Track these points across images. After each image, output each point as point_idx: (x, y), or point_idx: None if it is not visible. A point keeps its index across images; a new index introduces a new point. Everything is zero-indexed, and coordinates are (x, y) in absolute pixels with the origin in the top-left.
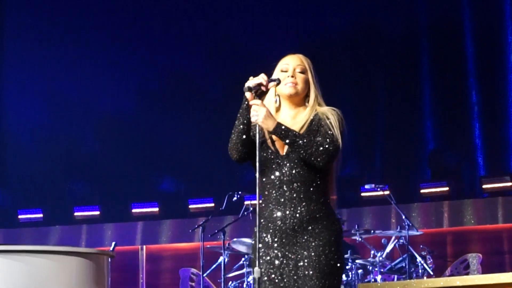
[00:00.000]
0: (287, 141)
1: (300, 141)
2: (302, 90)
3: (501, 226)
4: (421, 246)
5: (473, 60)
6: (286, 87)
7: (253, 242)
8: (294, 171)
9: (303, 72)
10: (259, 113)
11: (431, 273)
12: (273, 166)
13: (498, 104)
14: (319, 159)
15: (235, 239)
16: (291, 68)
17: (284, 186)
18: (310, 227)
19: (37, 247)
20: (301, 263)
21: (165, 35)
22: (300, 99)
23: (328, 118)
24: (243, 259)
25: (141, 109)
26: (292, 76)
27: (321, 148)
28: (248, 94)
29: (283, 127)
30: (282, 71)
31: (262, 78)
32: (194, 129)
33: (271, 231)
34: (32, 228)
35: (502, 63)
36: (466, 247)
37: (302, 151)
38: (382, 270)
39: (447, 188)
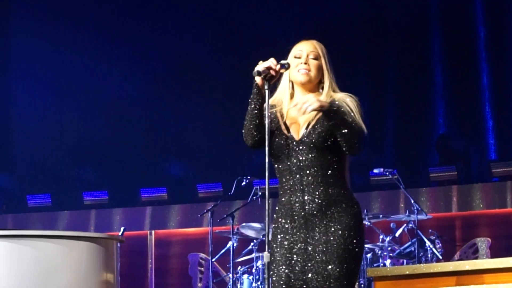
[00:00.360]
0: (338, 120)
1: (351, 122)
2: (315, 77)
3: (510, 210)
4: (430, 230)
5: (484, 44)
6: (299, 74)
7: (272, 228)
8: (310, 156)
9: (317, 58)
10: (310, 102)
11: (440, 257)
12: (289, 152)
13: (509, 87)
14: (357, 146)
15: (244, 224)
16: (304, 54)
17: (302, 171)
18: (329, 212)
19: (46, 232)
20: (320, 248)
21: (172, 19)
22: (313, 85)
23: (348, 105)
24: (252, 244)
25: (148, 94)
26: (305, 63)
27: (354, 141)
28: (258, 79)
29: (335, 104)
30: (295, 57)
31: (271, 62)
32: (202, 113)
33: (289, 217)
34: (41, 213)
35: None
36: (475, 232)
37: (347, 134)
38: (391, 254)
39: (455, 172)
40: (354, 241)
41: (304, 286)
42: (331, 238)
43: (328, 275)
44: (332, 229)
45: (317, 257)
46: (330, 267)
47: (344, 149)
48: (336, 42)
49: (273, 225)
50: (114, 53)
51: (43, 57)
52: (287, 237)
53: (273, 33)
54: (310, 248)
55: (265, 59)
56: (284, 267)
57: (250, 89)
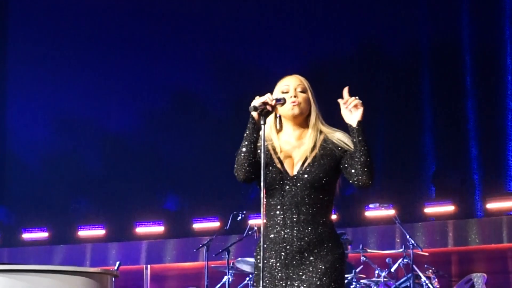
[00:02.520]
0: (365, 143)
1: (370, 150)
2: (305, 109)
3: (506, 245)
4: (425, 265)
5: (472, 80)
6: (290, 108)
7: (256, 261)
8: (302, 193)
9: (304, 91)
10: (357, 101)
11: None
12: (280, 187)
13: (498, 124)
14: (371, 176)
15: (239, 259)
16: (292, 88)
17: (292, 208)
18: (316, 250)
19: (41, 266)
20: (306, 284)
21: (169, 54)
22: (303, 119)
23: (341, 140)
24: (247, 278)
25: (145, 128)
26: (295, 96)
27: (373, 165)
28: (254, 114)
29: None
30: (282, 92)
31: (267, 97)
32: (198, 148)
33: (276, 252)
34: (37, 247)
35: (501, 84)
36: (471, 267)
37: (367, 160)
38: None
39: (452, 207)
40: (338, 281)
41: None
42: (314, 276)
43: None
44: (317, 267)
45: None
46: None
47: (358, 176)
48: (327, 78)
49: (258, 260)
50: (112, 87)
51: (41, 90)
52: (272, 272)
53: (269, 68)
54: (294, 286)
55: (261, 94)
56: None
57: (246, 123)
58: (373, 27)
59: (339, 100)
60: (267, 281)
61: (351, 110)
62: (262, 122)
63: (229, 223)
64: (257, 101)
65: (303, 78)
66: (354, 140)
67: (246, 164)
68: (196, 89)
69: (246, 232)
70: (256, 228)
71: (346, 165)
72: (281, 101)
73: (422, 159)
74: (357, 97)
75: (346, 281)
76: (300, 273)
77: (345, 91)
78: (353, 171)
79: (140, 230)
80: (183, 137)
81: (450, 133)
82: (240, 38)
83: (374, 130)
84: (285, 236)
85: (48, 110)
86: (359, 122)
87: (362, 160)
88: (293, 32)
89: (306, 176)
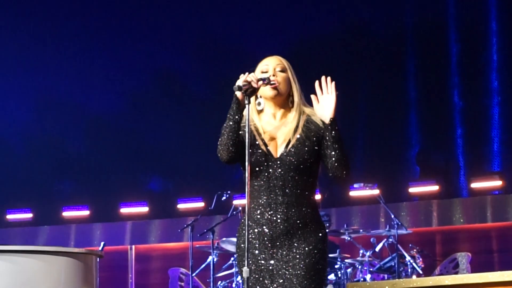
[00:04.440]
0: (338, 139)
1: (344, 145)
2: (284, 89)
3: (490, 225)
4: (410, 245)
5: (457, 60)
6: (269, 88)
7: (238, 242)
8: (286, 175)
9: (283, 71)
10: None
11: (420, 272)
12: (265, 169)
13: (483, 103)
14: (348, 169)
15: (224, 239)
16: (271, 68)
17: (276, 189)
18: (299, 231)
19: (25, 247)
20: (287, 266)
21: (152, 35)
22: (283, 99)
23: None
24: (232, 258)
25: (129, 109)
26: (273, 75)
27: (347, 159)
28: (238, 93)
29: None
30: (262, 72)
31: (252, 76)
32: (182, 128)
33: (259, 234)
34: (21, 228)
35: (486, 64)
36: (455, 246)
37: (339, 156)
38: (371, 269)
39: (436, 187)
40: (321, 261)
41: None
42: (298, 257)
43: None
44: (300, 248)
45: (284, 275)
46: (296, 285)
47: (331, 171)
48: (311, 57)
49: (240, 240)
50: (95, 68)
51: (23, 72)
52: (255, 252)
53: (253, 48)
54: (277, 267)
55: (243, 71)
56: (255, 283)
57: (230, 104)
58: (356, 6)
59: (317, 87)
60: (250, 262)
61: (324, 103)
62: (246, 101)
63: (213, 204)
64: (241, 80)
65: (283, 59)
66: (327, 136)
67: (229, 144)
68: (179, 70)
69: (230, 212)
70: (240, 208)
71: (323, 152)
72: (265, 81)
73: (406, 139)
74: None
75: (331, 260)
76: (284, 254)
77: (323, 78)
78: (328, 163)
79: (125, 210)
80: (167, 118)
81: (435, 113)
82: (223, 18)
83: (358, 109)
84: (269, 217)
85: (31, 92)
86: (332, 119)
87: (333, 155)
88: (277, 12)
89: (290, 158)
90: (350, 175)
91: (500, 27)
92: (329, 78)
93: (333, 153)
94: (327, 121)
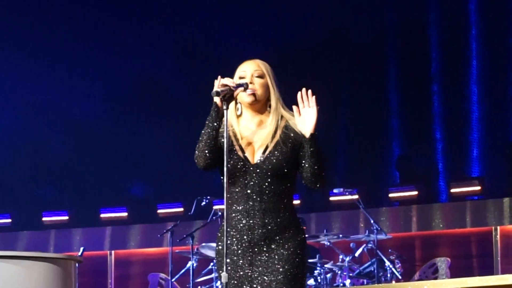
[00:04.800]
0: (316, 153)
1: (322, 159)
2: (262, 96)
3: (469, 230)
4: (389, 250)
5: (437, 66)
6: (245, 95)
7: (217, 247)
8: (264, 182)
9: (261, 76)
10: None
11: (400, 277)
12: (242, 175)
13: (462, 109)
14: (324, 181)
15: (203, 244)
16: (248, 74)
17: (254, 195)
18: (277, 237)
19: (4, 252)
20: (268, 271)
21: (133, 39)
22: (261, 105)
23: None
24: (211, 264)
25: (109, 113)
26: (251, 83)
27: (324, 173)
28: (216, 99)
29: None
30: (240, 77)
31: (230, 82)
32: (162, 133)
33: (237, 240)
34: (0, 234)
35: (466, 69)
36: (435, 251)
37: (315, 170)
38: (350, 274)
39: (415, 192)
40: (300, 266)
41: None
42: (276, 263)
43: None
44: (278, 254)
45: (263, 281)
46: None
47: (305, 181)
48: (292, 60)
49: (219, 246)
50: (75, 72)
51: (4, 75)
52: (234, 258)
53: (233, 53)
54: (256, 273)
55: (225, 76)
56: None
57: (210, 109)
58: (337, 11)
59: (299, 99)
60: (229, 267)
61: (305, 116)
62: (224, 107)
63: (193, 209)
64: (216, 85)
65: (262, 63)
66: (305, 149)
67: (206, 151)
68: (160, 75)
69: (210, 217)
70: (220, 213)
71: (299, 161)
72: (243, 86)
73: (386, 143)
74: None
75: (310, 265)
76: (263, 260)
77: (304, 90)
78: (303, 174)
79: (104, 215)
80: (148, 123)
81: (415, 118)
82: (204, 24)
83: (338, 114)
84: (247, 223)
85: (11, 95)
86: (312, 134)
87: (309, 170)
88: (257, 16)
89: (267, 164)
90: (325, 187)
91: (479, 32)
92: (309, 92)
93: (308, 167)
94: (306, 135)
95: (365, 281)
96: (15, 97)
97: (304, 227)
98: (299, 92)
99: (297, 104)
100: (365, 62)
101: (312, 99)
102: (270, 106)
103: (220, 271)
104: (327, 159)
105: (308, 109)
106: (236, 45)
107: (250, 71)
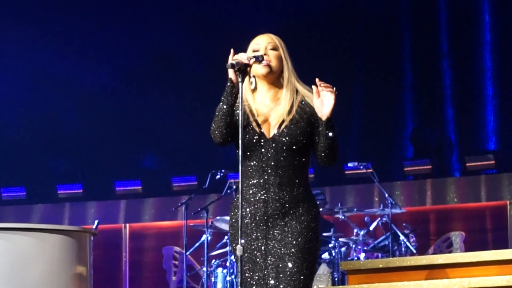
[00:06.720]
0: (331, 135)
1: (335, 143)
2: (276, 67)
3: (484, 204)
4: (404, 224)
5: (449, 39)
6: (260, 66)
7: (231, 221)
8: (279, 156)
9: (275, 49)
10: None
11: (414, 251)
12: (257, 149)
13: (477, 83)
14: (335, 159)
15: (218, 217)
16: (262, 46)
17: (269, 169)
18: (291, 211)
19: (19, 224)
20: (279, 245)
21: (146, 13)
22: (275, 77)
23: None
24: (226, 237)
25: (123, 87)
26: (265, 54)
27: (336, 154)
28: (231, 72)
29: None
30: (254, 50)
31: (242, 55)
32: (176, 106)
33: (251, 213)
34: (15, 206)
35: (478, 43)
36: (449, 225)
37: (328, 150)
38: (365, 248)
39: (430, 166)
40: (313, 240)
41: (263, 282)
42: (290, 236)
43: (286, 271)
44: (292, 227)
45: (277, 254)
46: (288, 264)
47: (317, 158)
48: (304, 34)
49: (233, 219)
50: (88, 45)
51: (15, 49)
52: (248, 231)
53: (246, 26)
54: (270, 245)
55: (237, 49)
56: (247, 262)
57: (224, 82)
58: None
59: (316, 84)
60: (243, 241)
61: (323, 99)
62: (240, 79)
63: (207, 182)
64: (233, 59)
65: (275, 36)
66: (320, 129)
67: (223, 127)
68: (172, 47)
69: (224, 190)
70: (235, 186)
71: (315, 136)
72: (259, 59)
73: (400, 117)
74: (334, 88)
75: (324, 239)
76: (276, 233)
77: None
78: (316, 152)
79: (119, 189)
80: (160, 96)
81: (428, 92)
82: None
83: (352, 89)
84: (262, 197)
85: (24, 69)
86: (328, 119)
87: (322, 149)
88: None
89: (283, 138)
90: (336, 163)
91: (494, 7)
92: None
93: (322, 147)
94: (323, 118)
95: (379, 255)
96: (28, 71)
97: (327, 201)
98: (317, 79)
99: (314, 84)
100: (378, 36)
101: (332, 89)
102: (283, 79)
103: (234, 245)
104: (337, 136)
105: (327, 93)
106: (248, 17)
107: (264, 44)
